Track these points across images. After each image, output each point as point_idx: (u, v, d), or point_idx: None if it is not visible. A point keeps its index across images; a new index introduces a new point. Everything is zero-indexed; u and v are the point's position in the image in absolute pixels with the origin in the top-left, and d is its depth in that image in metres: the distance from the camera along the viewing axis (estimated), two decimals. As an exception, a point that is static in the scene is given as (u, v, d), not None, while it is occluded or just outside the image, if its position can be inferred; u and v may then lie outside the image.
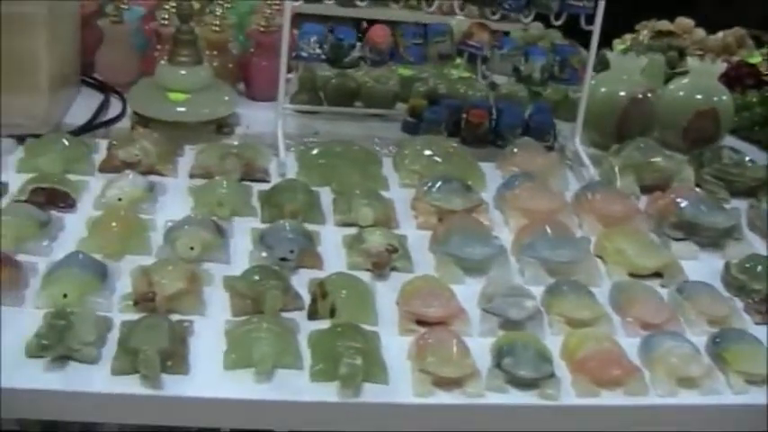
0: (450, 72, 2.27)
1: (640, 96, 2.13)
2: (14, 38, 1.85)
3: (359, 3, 1.95)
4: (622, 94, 2.13)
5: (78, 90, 2.18)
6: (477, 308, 1.51)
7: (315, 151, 1.91)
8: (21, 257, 1.51)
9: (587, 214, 1.80)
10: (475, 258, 1.61)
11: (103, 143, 1.92)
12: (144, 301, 1.42)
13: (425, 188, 1.79)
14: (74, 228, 1.63)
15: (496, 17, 1.96)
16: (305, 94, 2.19)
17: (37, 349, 1.31)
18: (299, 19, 1.97)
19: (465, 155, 1.95)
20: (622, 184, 1.92)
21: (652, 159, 1.97)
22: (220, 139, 2.00)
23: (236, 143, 1.94)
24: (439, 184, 1.78)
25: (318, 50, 1.94)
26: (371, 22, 2.05)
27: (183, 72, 1.99)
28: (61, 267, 1.47)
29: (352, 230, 1.67)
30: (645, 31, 2.73)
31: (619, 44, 2.73)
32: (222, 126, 2.04)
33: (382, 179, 1.88)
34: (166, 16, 2.21)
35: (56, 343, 1.31)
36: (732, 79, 2.43)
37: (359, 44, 1.96)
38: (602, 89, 2.15)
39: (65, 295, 1.41)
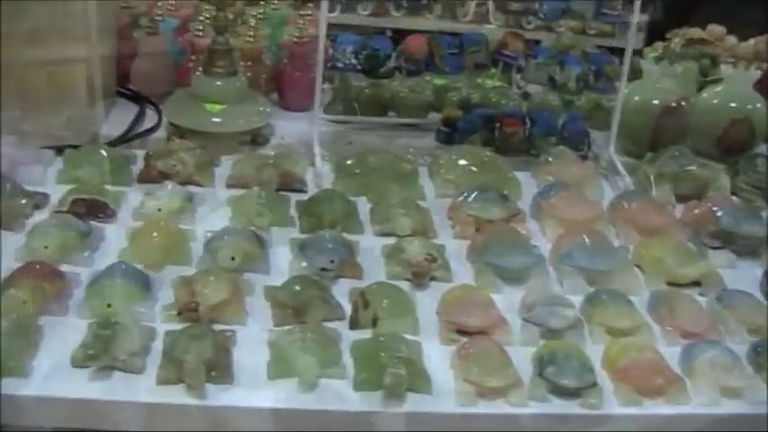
0: (485, 81, 2.27)
1: (674, 105, 2.13)
2: (54, 51, 1.87)
3: (394, 13, 1.95)
4: (656, 102, 2.13)
5: (114, 101, 2.20)
6: (517, 317, 1.51)
7: (350, 161, 1.92)
8: (64, 268, 1.53)
9: (624, 223, 1.80)
10: (514, 268, 1.61)
11: (140, 154, 1.93)
12: (187, 311, 1.43)
13: (462, 198, 1.79)
14: (114, 238, 1.65)
15: (531, 26, 1.96)
16: (339, 105, 2.20)
17: (83, 359, 1.33)
18: (333, 29, 1.97)
19: (500, 164, 1.95)
20: (658, 193, 1.92)
21: (687, 168, 1.97)
22: (256, 150, 2.01)
23: (272, 153, 1.94)
24: (475, 193, 1.79)
25: (354, 61, 1.95)
26: (406, 33, 2.05)
27: (218, 83, 2.01)
28: (104, 278, 1.48)
29: (391, 240, 1.68)
30: (676, 39, 2.72)
31: (650, 52, 2.72)
32: (257, 136, 2.05)
33: (418, 189, 1.89)
34: (201, 27, 2.23)
35: (101, 353, 1.32)
36: (765, 87, 2.41)
37: (394, 54, 1.96)
38: (636, 98, 2.14)
39: (109, 305, 1.43)
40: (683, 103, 2.14)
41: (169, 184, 1.77)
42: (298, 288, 1.49)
